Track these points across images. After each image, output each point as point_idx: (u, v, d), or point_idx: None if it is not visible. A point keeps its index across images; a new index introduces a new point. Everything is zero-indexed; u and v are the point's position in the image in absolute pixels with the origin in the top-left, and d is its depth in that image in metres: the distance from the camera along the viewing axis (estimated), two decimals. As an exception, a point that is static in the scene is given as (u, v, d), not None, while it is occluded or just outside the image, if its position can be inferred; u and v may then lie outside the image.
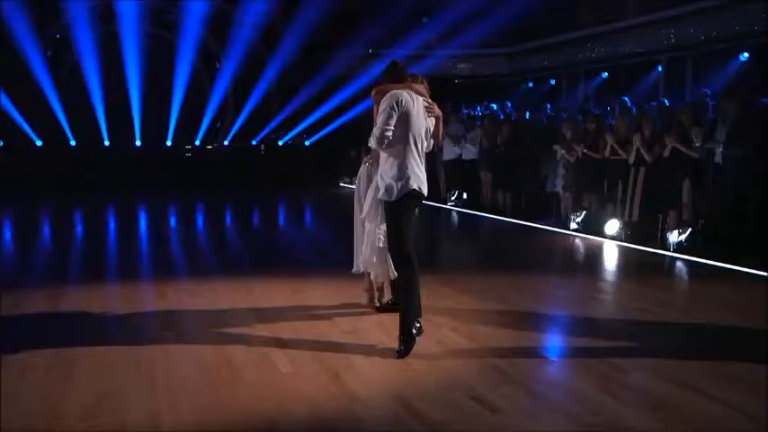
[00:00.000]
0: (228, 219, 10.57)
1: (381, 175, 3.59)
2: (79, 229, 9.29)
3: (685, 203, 6.65)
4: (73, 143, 14.11)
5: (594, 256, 6.89)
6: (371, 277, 4.21)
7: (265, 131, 15.20)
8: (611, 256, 6.82)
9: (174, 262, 6.52)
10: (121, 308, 4.45)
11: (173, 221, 10.13)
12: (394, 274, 4.03)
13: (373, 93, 3.94)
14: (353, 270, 4.32)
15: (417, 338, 3.53)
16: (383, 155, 3.60)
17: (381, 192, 3.57)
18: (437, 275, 5.22)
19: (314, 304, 4.50)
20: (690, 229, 6.34)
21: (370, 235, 4.06)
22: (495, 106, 12.50)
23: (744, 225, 6.02)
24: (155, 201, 11.95)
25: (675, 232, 6.39)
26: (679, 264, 6.17)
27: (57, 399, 2.93)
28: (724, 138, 6.14)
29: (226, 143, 15.20)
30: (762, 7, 10.44)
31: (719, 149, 6.20)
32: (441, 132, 3.84)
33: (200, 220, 10.28)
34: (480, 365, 3.37)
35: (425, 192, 3.60)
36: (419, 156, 3.59)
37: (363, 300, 4.38)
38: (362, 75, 13.62)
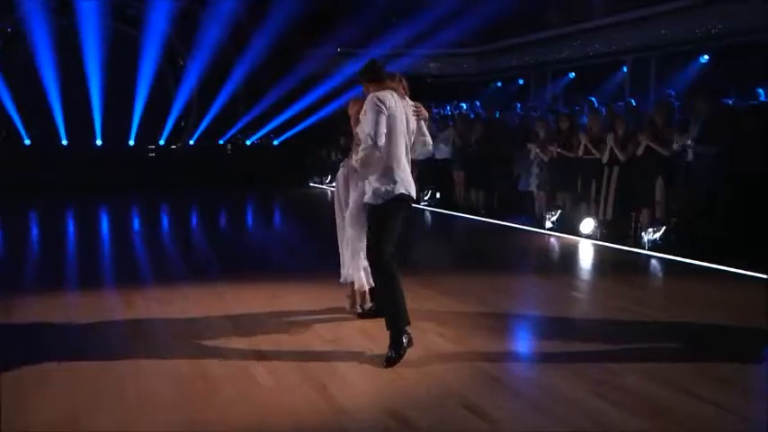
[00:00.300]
0: (195, 220, 10.24)
1: (368, 179, 3.47)
2: (35, 232, 8.84)
3: (658, 201, 6.72)
4: (28, 142, 13.50)
5: (571, 255, 6.90)
6: (355, 286, 4.07)
7: (233, 131, 14.90)
8: (588, 255, 6.84)
9: (140, 267, 6.20)
10: (86, 318, 4.17)
11: (136, 224, 9.76)
12: (370, 283, 3.99)
13: (350, 105, 3.91)
14: (341, 281, 4.18)
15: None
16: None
17: (368, 195, 3.46)
18: (416, 277, 5.09)
19: (292, 310, 4.33)
20: (664, 228, 6.40)
21: (352, 242, 3.94)
22: (464, 105, 12.50)
23: (716, 223, 6.10)
24: (117, 202, 11.51)
25: (650, 230, 6.44)
26: (655, 262, 6.22)
27: (23, 416, 2.71)
28: (696, 136, 6.22)
29: (191, 143, 14.85)
30: (721, 11, 10.74)
31: (691, 148, 6.28)
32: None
33: (165, 222, 9.92)
34: (471, 371, 3.26)
35: (414, 196, 3.48)
36: (406, 159, 3.49)
37: (346, 305, 4.22)
38: (333, 74, 13.54)
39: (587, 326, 4.26)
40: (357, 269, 3.97)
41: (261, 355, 3.45)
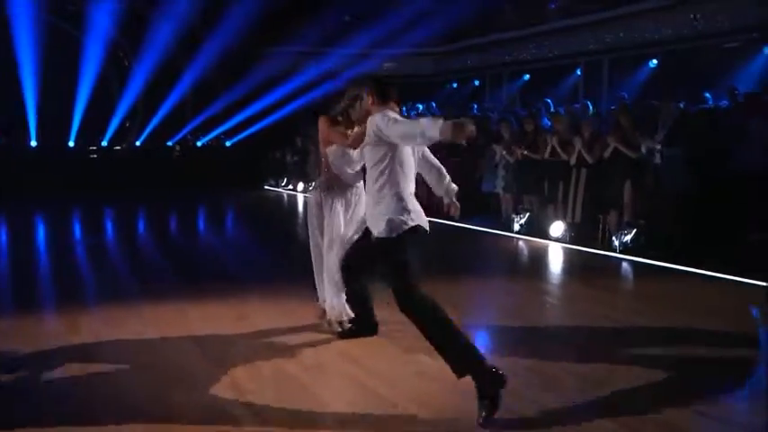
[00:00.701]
0: (144, 227, 9.58)
1: (377, 211, 3.06)
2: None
3: (626, 204, 6.71)
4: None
5: (542, 258, 6.79)
6: (333, 315, 3.78)
7: (183, 132, 14.29)
8: (560, 258, 6.74)
9: (84, 284, 5.58)
10: (21, 347, 3.62)
11: (77, 231, 9.03)
12: (349, 314, 3.74)
13: (322, 123, 3.66)
14: (319, 302, 3.88)
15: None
16: (375, 185, 3.05)
17: (381, 229, 3.01)
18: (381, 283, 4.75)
19: (264, 329, 3.95)
20: (635, 230, 6.38)
21: (330, 269, 3.67)
22: (421, 107, 12.33)
23: (684, 225, 6.12)
24: (55, 207, 10.68)
25: (621, 233, 6.41)
26: (627, 265, 6.18)
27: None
28: (663, 139, 6.24)
29: (137, 144, 14.11)
30: (669, 18, 11.03)
31: (659, 151, 6.30)
32: None
33: (111, 230, 9.22)
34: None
35: (427, 228, 3.11)
36: (413, 186, 3.14)
37: (324, 324, 3.90)
38: (287, 76, 13.20)
39: (564, 333, 4.13)
40: (339, 299, 3.71)
41: (237, 388, 3.05)
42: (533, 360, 3.46)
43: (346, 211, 3.76)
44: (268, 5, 12.06)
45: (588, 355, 3.57)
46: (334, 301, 3.72)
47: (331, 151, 3.72)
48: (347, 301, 3.71)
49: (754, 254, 5.52)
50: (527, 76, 14.13)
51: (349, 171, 3.78)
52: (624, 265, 6.20)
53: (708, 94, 8.53)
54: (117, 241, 8.15)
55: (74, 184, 12.30)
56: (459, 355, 2.77)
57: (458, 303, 4.55)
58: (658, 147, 6.28)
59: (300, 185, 13.00)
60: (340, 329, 3.79)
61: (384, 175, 3.01)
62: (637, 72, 13.15)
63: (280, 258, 6.69)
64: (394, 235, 2.99)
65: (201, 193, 12.71)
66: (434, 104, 12.43)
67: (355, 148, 3.61)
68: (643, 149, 6.39)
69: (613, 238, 6.55)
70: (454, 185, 3.56)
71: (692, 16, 10.43)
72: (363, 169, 3.83)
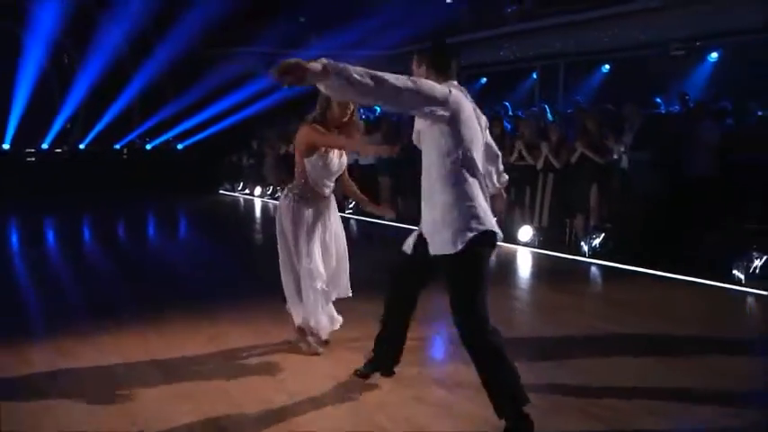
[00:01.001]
0: (90, 237, 8.96)
1: (435, 217, 2.54)
2: None
3: (593, 208, 6.76)
4: None
5: (511, 263, 6.73)
6: (314, 330, 3.55)
7: (132, 135, 13.65)
8: (528, 263, 6.70)
9: (27, 307, 4.99)
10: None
11: (14, 242, 8.35)
12: (335, 327, 3.53)
13: (302, 131, 3.41)
14: (295, 320, 3.62)
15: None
16: (436, 186, 2.50)
17: (443, 242, 2.48)
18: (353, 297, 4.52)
19: (237, 349, 3.66)
20: (603, 234, 6.42)
21: (307, 281, 3.44)
22: (378, 108, 12.20)
23: (651, 228, 6.21)
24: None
25: (590, 237, 6.44)
26: (595, 269, 6.19)
27: None
28: (631, 143, 6.31)
29: (81, 147, 13.42)
30: (621, 25, 11.32)
31: (625, 155, 6.37)
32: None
33: (52, 240, 8.55)
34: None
35: (500, 234, 2.59)
36: (485, 184, 2.60)
37: (302, 347, 3.63)
38: (246, 80, 12.78)
39: (533, 339, 4.05)
40: (319, 313, 3.48)
41: (215, 426, 2.75)
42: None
43: (321, 221, 3.54)
44: (223, 8, 11.66)
45: (558, 362, 3.51)
46: (319, 316, 3.47)
47: (310, 161, 3.49)
48: (381, 327, 3.05)
49: (708, 255, 5.69)
50: (484, 80, 14.23)
51: (327, 182, 3.57)
52: (593, 269, 6.23)
53: (659, 100, 8.76)
54: (61, 255, 7.46)
55: (7, 189, 11.52)
56: (507, 399, 2.52)
57: (424, 309, 4.40)
58: (624, 150, 6.34)
59: (258, 189, 12.61)
60: (320, 351, 3.56)
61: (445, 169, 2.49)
62: (590, 77, 13.49)
63: (245, 270, 6.31)
64: (460, 248, 2.46)
65: (153, 198, 12.13)
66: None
67: (300, 157, 3.42)
68: (615, 155, 6.44)
69: (582, 242, 6.57)
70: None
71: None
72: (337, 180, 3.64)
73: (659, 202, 6.13)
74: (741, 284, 5.30)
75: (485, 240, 2.50)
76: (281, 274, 3.60)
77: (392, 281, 2.93)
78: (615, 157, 6.45)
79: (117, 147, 13.82)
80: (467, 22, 13.43)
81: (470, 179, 2.51)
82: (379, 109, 12.66)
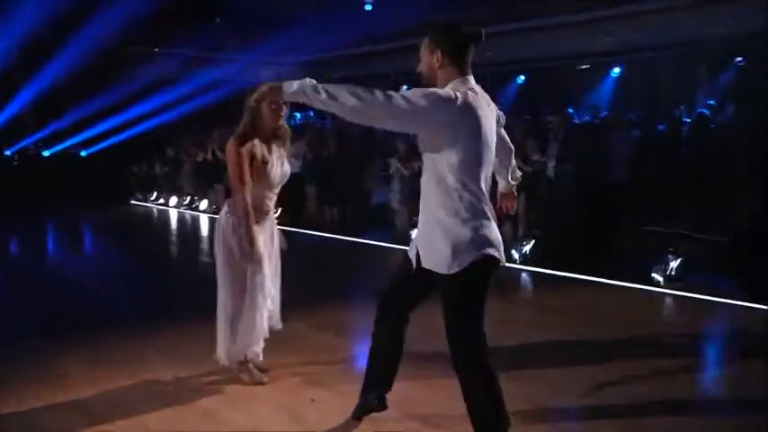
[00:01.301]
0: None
1: (430, 231, 2.30)
2: None
3: (521, 215, 6.92)
4: None
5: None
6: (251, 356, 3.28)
7: (25, 142, 12.51)
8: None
9: None
10: None
11: None
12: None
13: (229, 147, 3.13)
14: (222, 362, 3.27)
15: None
16: (433, 196, 2.28)
17: (437, 260, 2.27)
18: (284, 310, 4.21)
19: (168, 388, 3.29)
20: (533, 241, 6.59)
21: (252, 307, 3.22)
22: (312, 113, 11.98)
23: (577, 235, 6.45)
24: None
25: (520, 244, 6.58)
26: (526, 276, 6.31)
27: None
28: (556, 153, 6.53)
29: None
30: (534, 39, 11.84)
31: (551, 164, 6.58)
32: None
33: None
34: None
35: (503, 257, 2.36)
36: (488, 197, 2.34)
37: (244, 378, 3.35)
38: (156, 83, 12.12)
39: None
40: (260, 342, 3.23)
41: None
42: (441, 379, 3.12)
43: (267, 243, 3.30)
44: (134, 8, 10.93)
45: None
46: (245, 345, 3.21)
47: (249, 183, 3.18)
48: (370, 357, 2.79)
49: (629, 259, 5.95)
50: (406, 88, 14.30)
51: (270, 194, 3.33)
52: (524, 275, 6.35)
53: (571, 110, 9.21)
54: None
55: None
56: (496, 422, 2.36)
57: (357, 323, 4.28)
58: (551, 161, 6.56)
59: (173, 200, 11.90)
60: (266, 380, 3.30)
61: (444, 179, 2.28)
62: (507, 87, 14.02)
63: (167, 290, 5.86)
64: (458, 269, 2.25)
65: (53, 209, 11.10)
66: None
67: (233, 172, 3.13)
68: (536, 167, 6.63)
69: (512, 249, 6.70)
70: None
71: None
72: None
73: (581, 210, 6.39)
74: (660, 286, 5.60)
75: (483, 266, 2.29)
76: (219, 302, 3.30)
77: (388, 292, 2.71)
78: (536, 168, 6.64)
79: (7, 153, 12.67)
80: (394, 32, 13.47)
81: (471, 195, 2.26)
82: (299, 116, 12.40)
